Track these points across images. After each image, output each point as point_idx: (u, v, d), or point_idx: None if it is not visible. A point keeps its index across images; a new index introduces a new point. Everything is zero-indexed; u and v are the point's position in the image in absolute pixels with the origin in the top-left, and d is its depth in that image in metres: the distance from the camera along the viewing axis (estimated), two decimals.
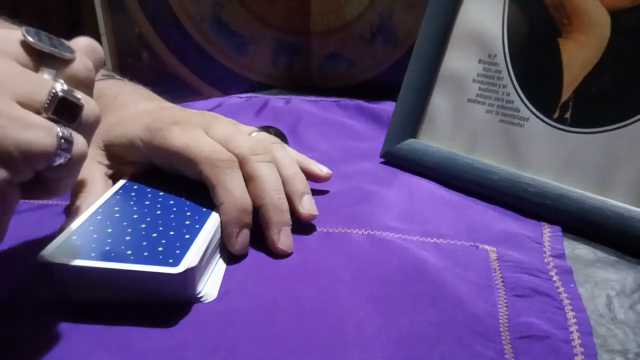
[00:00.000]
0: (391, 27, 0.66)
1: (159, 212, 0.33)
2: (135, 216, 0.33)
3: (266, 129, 0.47)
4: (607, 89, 0.40)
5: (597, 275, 0.34)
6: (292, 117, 0.60)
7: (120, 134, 0.37)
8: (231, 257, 0.34)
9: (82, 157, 0.26)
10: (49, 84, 0.24)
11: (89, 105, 0.26)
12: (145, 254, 0.29)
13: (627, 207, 0.37)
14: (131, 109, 0.41)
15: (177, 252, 0.29)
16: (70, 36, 0.28)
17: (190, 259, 0.29)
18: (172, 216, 0.33)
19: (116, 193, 0.35)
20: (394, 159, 0.49)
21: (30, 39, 0.24)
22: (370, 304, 0.30)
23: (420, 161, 0.47)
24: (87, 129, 0.27)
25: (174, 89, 0.65)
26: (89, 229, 0.31)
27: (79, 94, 0.26)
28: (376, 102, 0.63)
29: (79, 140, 0.26)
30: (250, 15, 0.69)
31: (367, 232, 0.37)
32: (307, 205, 0.37)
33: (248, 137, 0.37)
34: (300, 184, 0.37)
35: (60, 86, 0.25)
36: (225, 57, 0.70)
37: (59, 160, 0.24)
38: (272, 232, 0.34)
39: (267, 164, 0.36)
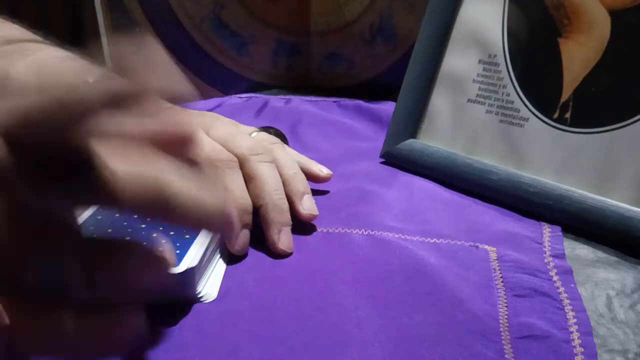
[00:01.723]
0: (391, 27, 0.66)
1: None
2: (136, 216, 0.33)
3: (266, 129, 0.47)
4: (607, 89, 0.40)
5: (597, 275, 0.34)
6: (292, 117, 0.60)
7: None
8: (231, 257, 0.34)
9: None
10: None
11: None
12: None
13: (627, 207, 0.37)
14: None
15: (177, 252, 0.29)
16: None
17: (190, 259, 0.29)
18: None
19: None
20: (394, 159, 0.49)
21: None
22: (370, 304, 0.30)
23: (420, 161, 0.47)
24: None
25: None
26: (89, 229, 0.31)
27: None
28: (376, 102, 0.63)
29: None
30: (250, 15, 0.69)
31: (367, 232, 0.37)
32: (308, 205, 0.37)
33: (248, 137, 0.37)
34: (301, 184, 0.37)
35: None
36: (226, 58, 0.70)
37: None
38: (272, 232, 0.34)
39: (267, 164, 0.36)
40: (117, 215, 0.33)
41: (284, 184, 0.36)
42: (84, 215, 0.32)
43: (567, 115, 0.41)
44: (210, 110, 0.61)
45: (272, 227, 0.34)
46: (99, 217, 0.32)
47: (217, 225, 0.21)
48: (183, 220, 0.20)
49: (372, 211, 0.40)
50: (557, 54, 0.42)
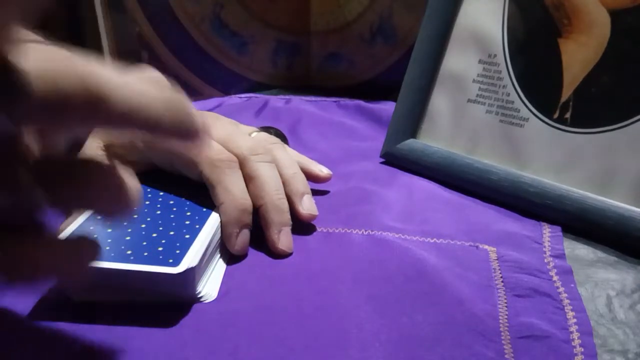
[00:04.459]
0: (391, 27, 0.66)
1: (159, 212, 0.33)
2: (135, 216, 0.33)
3: (266, 129, 0.47)
4: (607, 89, 0.40)
5: (597, 275, 0.34)
6: (292, 117, 0.60)
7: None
8: (231, 257, 0.34)
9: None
10: None
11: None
12: (145, 254, 0.29)
13: (627, 207, 0.37)
14: None
15: (177, 252, 0.29)
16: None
17: (190, 259, 0.29)
18: (172, 216, 0.33)
19: None
20: (394, 159, 0.49)
21: None
22: (370, 304, 0.30)
23: (420, 161, 0.47)
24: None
25: None
26: (89, 229, 0.31)
27: None
28: (376, 102, 0.63)
29: None
30: (250, 15, 0.69)
31: (367, 232, 0.37)
32: (307, 205, 0.37)
33: (248, 137, 0.37)
34: (301, 184, 0.37)
35: None
36: (226, 57, 0.70)
37: None
38: (272, 232, 0.34)
39: (267, 164, 0.36)
40: None
41: (284, 184, 0.36)
42: (83, 216, 0.32)
43: (567, 115, 0.41)
44: (210, 110, 0.62)
45: (272, 227, 0.34)
46: (99, 217, 0.32)
47: (174, 129, 0.18)
48: (125, 122, 0.17)
49: (372, 211, 0.40)
50: (557, 54, 0.42)
